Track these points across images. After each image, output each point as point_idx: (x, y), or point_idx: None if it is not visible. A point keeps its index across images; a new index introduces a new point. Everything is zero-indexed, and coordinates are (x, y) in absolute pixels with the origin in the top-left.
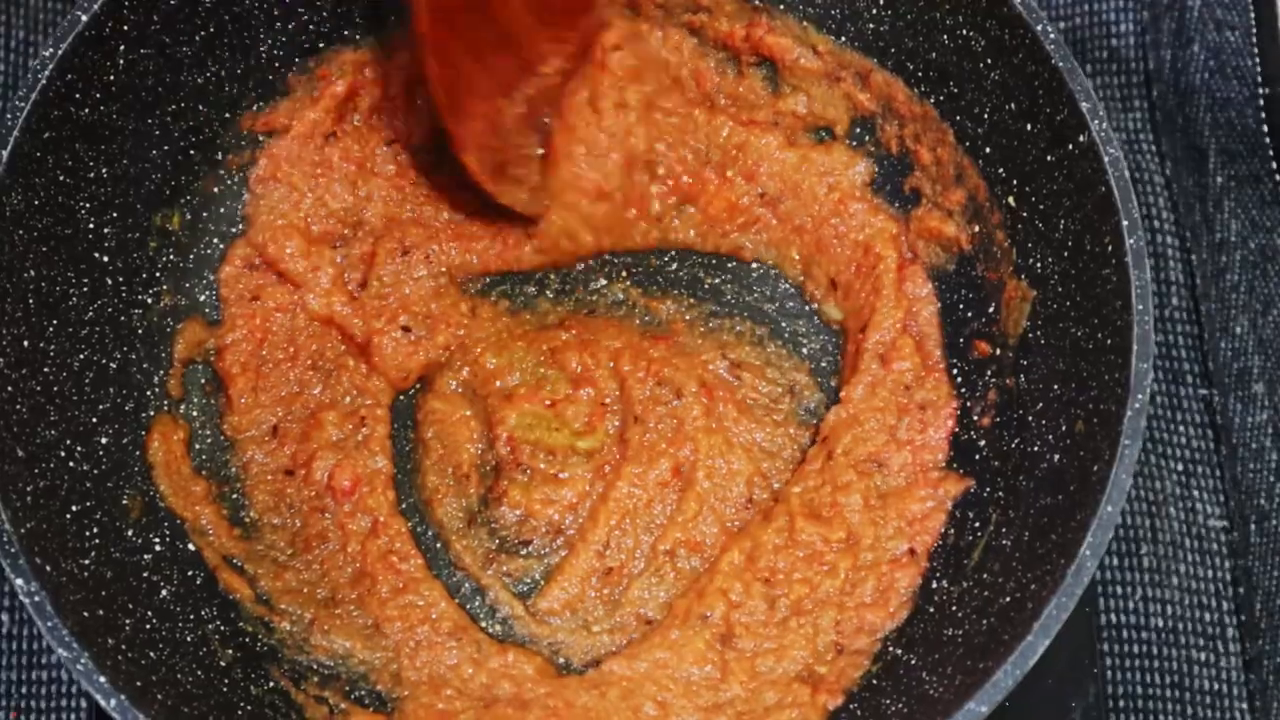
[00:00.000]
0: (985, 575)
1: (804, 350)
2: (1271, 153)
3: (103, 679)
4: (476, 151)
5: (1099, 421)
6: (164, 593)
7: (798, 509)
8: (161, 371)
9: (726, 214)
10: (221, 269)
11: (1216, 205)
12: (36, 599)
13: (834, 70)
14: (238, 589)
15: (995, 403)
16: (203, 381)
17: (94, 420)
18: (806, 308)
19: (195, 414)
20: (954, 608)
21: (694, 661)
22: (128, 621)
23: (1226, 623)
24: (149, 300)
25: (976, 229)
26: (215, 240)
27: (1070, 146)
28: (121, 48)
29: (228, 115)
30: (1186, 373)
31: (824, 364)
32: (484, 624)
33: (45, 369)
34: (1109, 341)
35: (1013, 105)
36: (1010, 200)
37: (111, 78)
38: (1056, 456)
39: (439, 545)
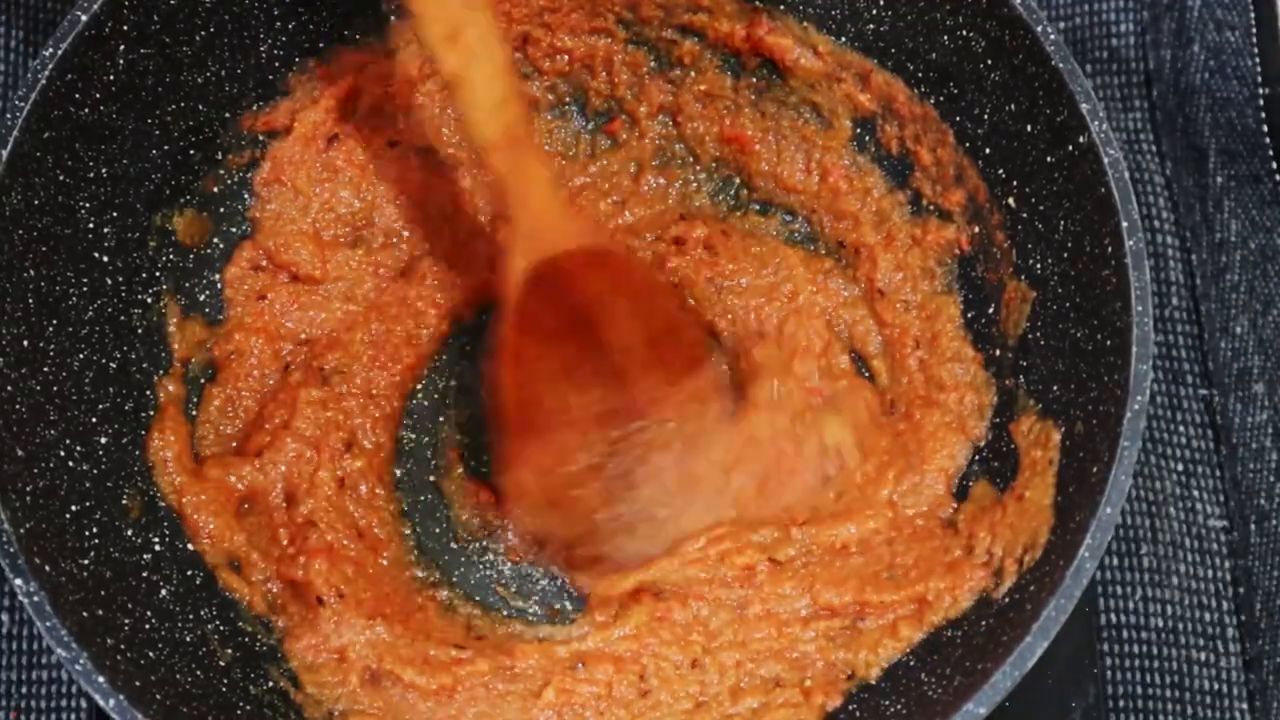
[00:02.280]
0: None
1: None
2: (1271, 153)
3: (102, 679)
4: (527, 477)
5: (1098, 422)
6: (163, 593)
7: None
8: (161, 371)
9: None
10: (226, 269)
11: (1216, 205)
12: (36, 599)
13: (834, 71)
14: (237, 589)
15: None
16: (203, 382)
17: (94, 420)
18: None
19: (195, 414)
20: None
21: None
22: (127, 621)
23: (1226, 623)
24: (149, 300)
25: (976, 230)
26: (216, 240)
27: (1070, 148)
28: (121, 48)
29: (228, 115)
30: (1186, 373)
31: None
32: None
33: (45, 369)
34: (1108, 343)
35: (1013, 106)
36: (1010, 201)
37: (111, 78)
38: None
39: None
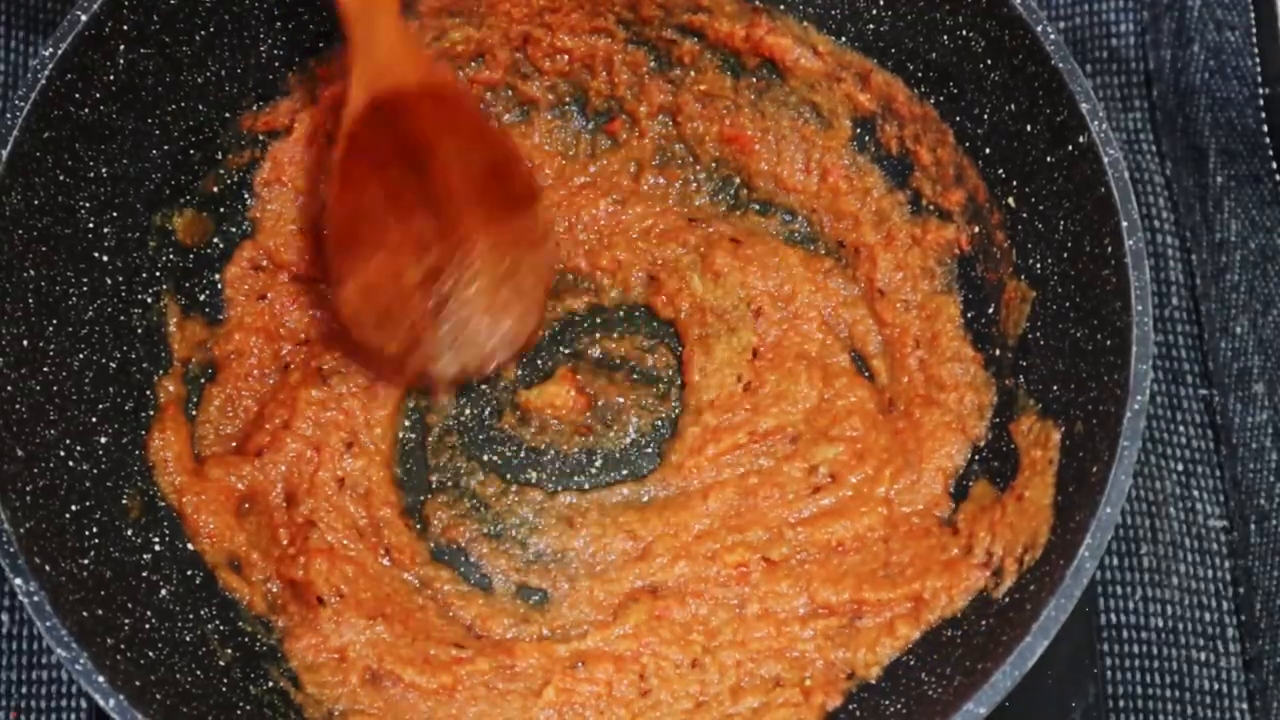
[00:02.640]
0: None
1: None
2: (1271, 153)
3: (101, 679)
4: (355, 294)
5: (1098, 422)
6: (163, 592)
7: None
8: (161, 371)
9: None
10: (227, 269)
11: (1216, 205)
12: (36, 599)
13: (834, 71)
14: (237, 589)
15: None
16: (203, 382)
17: (94, 420)
18: None
19: (195, 414)
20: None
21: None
22: (127, 621)
23: (1226, 623)
24: (149, 300)
25: (976, 229)
26: (216, 240)
27: (1070, 147)
28: (121, 48)
29: (228, 115)
30: (1186, 373)
31: None
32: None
33: (45, 368)
34: (1108, 342)
35: (1013, 106)
36: (1010, 201)
37: (111, 78)
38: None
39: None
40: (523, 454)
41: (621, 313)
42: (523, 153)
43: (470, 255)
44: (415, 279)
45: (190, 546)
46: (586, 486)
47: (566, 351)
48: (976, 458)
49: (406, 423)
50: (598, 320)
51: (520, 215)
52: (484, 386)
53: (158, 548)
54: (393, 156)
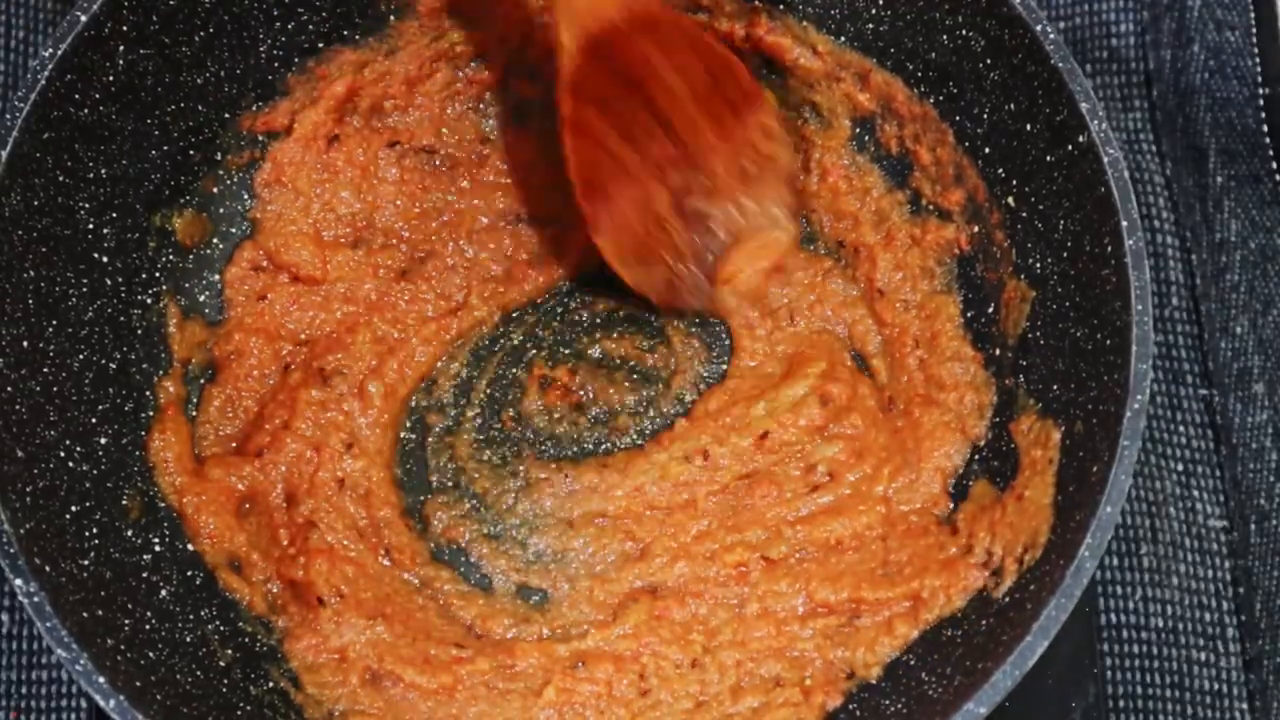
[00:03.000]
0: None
1: None
2: (1271, 153)
3: (102, 679)
4: (614, 235)
5: (1098, 422)
6: (163, 593)
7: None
8: (161, 372)
9: None
10: (227, 270)
11: (1216, 205)
12: (36, 599)
13: (834, 70)
14: (238, 589)
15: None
16: (203, 382)
17: (93, 420)
18: None
19: (195, 414)
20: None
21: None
22: (127, 622)
23: (1226, 623)
24: (149, 300)
25: (976, 229)
26: (216, 240)
27: (1070, 147)
28: (121, 48)
29: (227, 115)
30: (1186, 373)
31: None
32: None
33: (45, 369)
34: (1108, 342)
35: (1012, 105)
36: (1010, 200)
37: (111, 78)
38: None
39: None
40: (523, 454)
41: (622, 313)
42: (734, 57)
43: (711, 165)
44: (666, 202)
45: (190, 547)
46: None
47: (566, 351)
48: (976, 457)
49: (407, 423)
50: (598, 320)
51: (748, 116)
52: (485, 388)
53: (158, 548)
54: (615, 92)
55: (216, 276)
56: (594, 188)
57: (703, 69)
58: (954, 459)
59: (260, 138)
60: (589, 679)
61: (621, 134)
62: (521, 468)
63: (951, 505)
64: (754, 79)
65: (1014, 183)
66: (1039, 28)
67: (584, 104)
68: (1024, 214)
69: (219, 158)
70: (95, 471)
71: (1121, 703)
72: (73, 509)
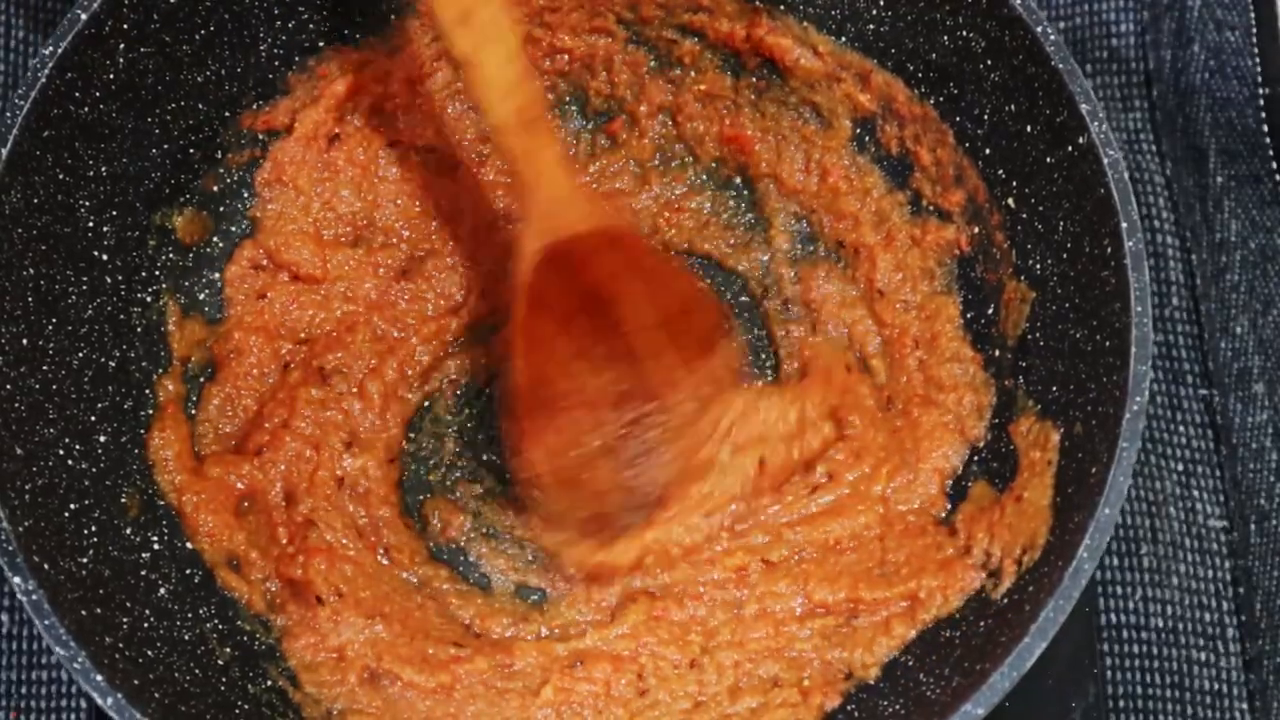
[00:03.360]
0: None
1: None
2: (1271, 153)
3: (100, 677)
4: (549, 455)
5: (1097, 423)
6: (162, 591)
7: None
8: (161, 370)
9: None
10: (227, 268)
11: (1216, 205)
12: (34, 597)
13: (834, 71)
14: (236, 588)
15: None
16: (202, 380)
17: (93, 419)
18: None
19: (195, 413)
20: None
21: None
22: (125, 620)
23: (1226, 623)
24: (149, 298)
25: (976, 230)
26: (216, 239)
27: (1070, 148)
28: (121, 47)
29: (228, 114)
30: (1186, 373)
31: None
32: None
33: (44, 367)
34: (1108, 343)
35: (1012, 106)
36: (1010, 201)
37: (111, 76)
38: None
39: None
40: None
41: None
42: (708, 289)
43: (671, 402)
44: (613, 433)
45: (189, 545)
46: None
47: None
48: (975, 458)
49: (406, 422)
50: None
51: (716, 353)
52: (485, 389)
53: (156, 546)
54: (576, 308)
55: (216, 275)
56: (540, 404)
57: (673, 296)
58: (952, 460)
59: (261, 136)
60: (587, 678)
61: (578, 352)
62: None
63: (949, 506)
64: (726, 312)
65: (1014, 184)
66: (1039, 29)
67: (540, 313)
68: (1024, 215)
69: (219, 156)
70: (94, 469)
71: (1121, 703)
72: (71, 507)
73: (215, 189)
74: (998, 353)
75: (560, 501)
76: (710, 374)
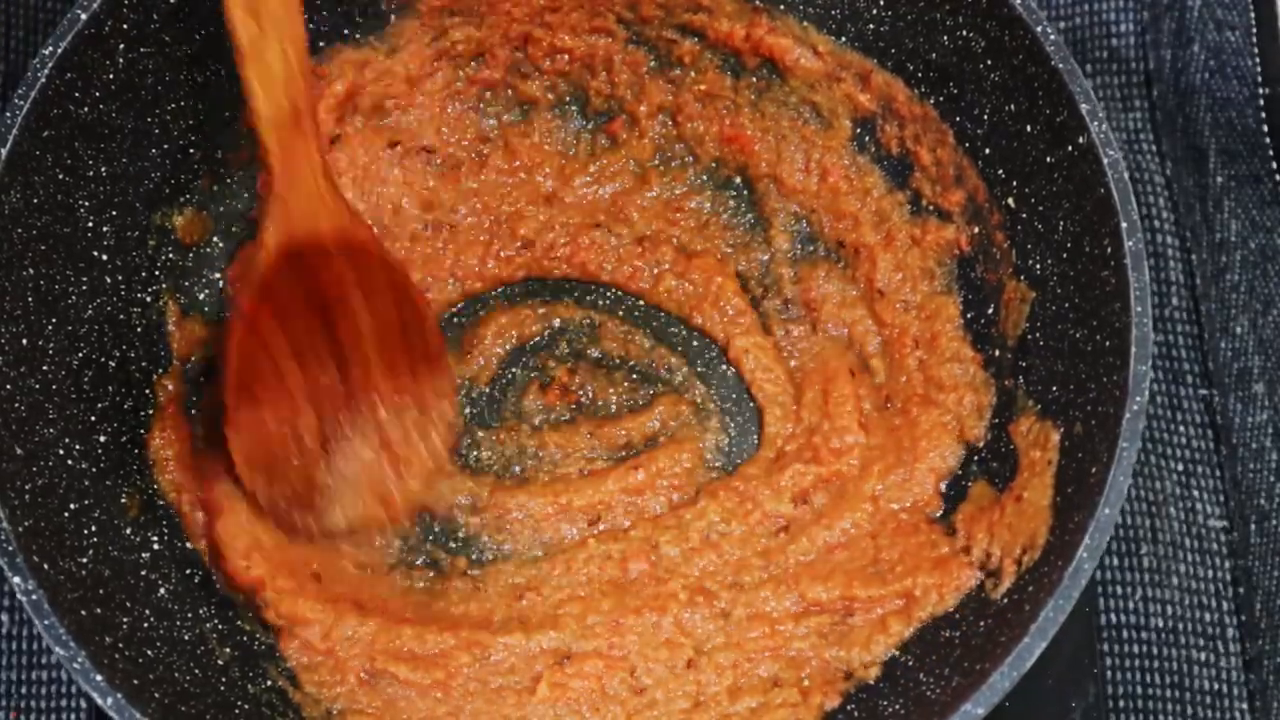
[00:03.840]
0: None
1: None
2: (1271, 153)
3: (99, 677)
4: (249, 439)
5: (1097, 423)
6: (162, 591)
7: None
8: (161, 370)
9: None
10: (229, 269)
11: (1216, 205)
12: (34, 597)
13: (834, 71)
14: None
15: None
16: (202, 380)
17: (93, 418)
18: None
19: (195, 412)
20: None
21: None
22: (125, 620)
23: (1226, 623)
24: (149, 298)
25: (976, 230)
26: (216, 239)
27: (1070, 148)
28: (121, 47)
29: (228, 114)
30: (1186, 373)
31: None
32: None
33: (44, 367)
34: (1108, 343)
35: (1012, 106)
36: (1010, 201)
37: (111, 77)
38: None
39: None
40: (517, 452)
41: (621, 313)
42: (432, 314)
43: (369, 411)
44: (312, 430)
45: (189, 545)
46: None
47: (566, 351)
48: (975, 458)
49: None
50: (597, 320)
51: (426, 375)
52: (484, 386)
53: (156, 546)
54: (300, 306)
55: (216, 275)
56: (246, 389)
57: (396, 315)
58: (949, 460)
59: None
60: (579, 674)
61: (292, 349)
62: (517, 467)
63: (944, 505)
64: (441, 341)
65: (1014, 184)
66: (1039, 29)
67: (265, 307)
68: (1024, 215)
69: (219, 156)
70: (94, 469)
71: (1121, 703)
72: (71, 507)
73: (215, 189)
74: (998, 353)
75: (262, 485)
76: (416, 392)
